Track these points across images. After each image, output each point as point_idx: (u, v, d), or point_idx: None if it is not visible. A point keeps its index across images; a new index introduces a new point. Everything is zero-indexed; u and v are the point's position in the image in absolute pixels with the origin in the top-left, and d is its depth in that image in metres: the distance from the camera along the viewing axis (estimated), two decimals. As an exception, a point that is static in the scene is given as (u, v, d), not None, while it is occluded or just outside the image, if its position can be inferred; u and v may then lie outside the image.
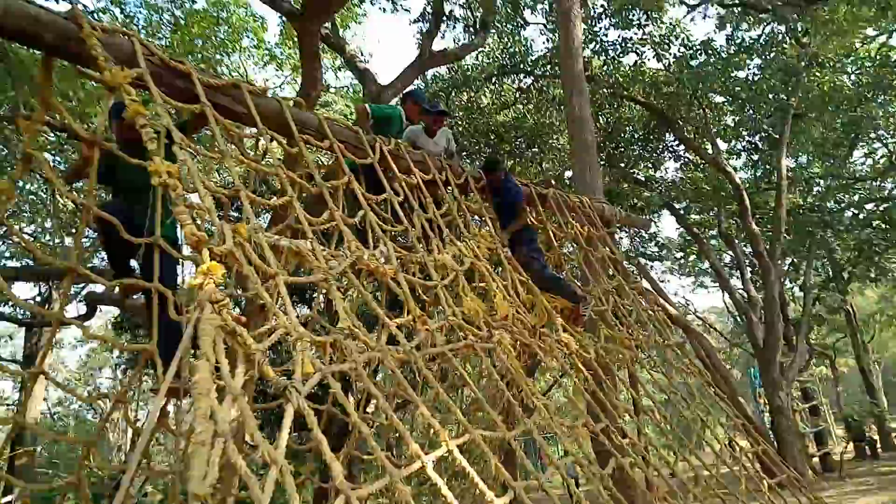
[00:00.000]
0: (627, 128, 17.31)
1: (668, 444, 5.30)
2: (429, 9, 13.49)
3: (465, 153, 16.93)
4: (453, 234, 4.58)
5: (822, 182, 18.89)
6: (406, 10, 15.48)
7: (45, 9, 3.00)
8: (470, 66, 16.24)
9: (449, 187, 4.91)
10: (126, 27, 13.36)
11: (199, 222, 2.54)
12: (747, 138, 17.95)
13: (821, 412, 17.90)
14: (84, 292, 12.43)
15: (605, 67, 15.80)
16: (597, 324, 5.51)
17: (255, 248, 2.75)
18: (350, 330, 2.77)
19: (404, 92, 5.41)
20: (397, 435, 3.15)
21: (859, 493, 10.07)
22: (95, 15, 12.36)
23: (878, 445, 17.93)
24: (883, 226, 17.46)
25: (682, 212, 18.14)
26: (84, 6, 13.53)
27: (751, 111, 16.38)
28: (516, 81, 17.11)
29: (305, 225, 3.09)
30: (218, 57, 15.85)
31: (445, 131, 5.59)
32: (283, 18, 12.75)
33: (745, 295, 16.65)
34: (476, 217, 5.43)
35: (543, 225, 5.96)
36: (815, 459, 15.03)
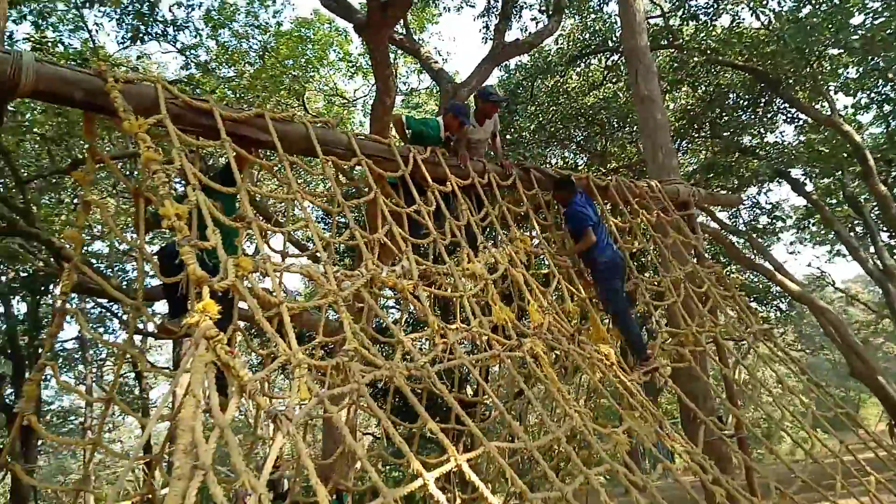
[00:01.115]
0: (731, 94, 16.14)
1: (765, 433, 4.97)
2: (494, 1, 13.35)
3: (555, 139, 16.59)
4: (495, 237, 4.53)
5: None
6: (471, 5, 15.39)
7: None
8: (552, 51, 15.86)
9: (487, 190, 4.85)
10: (216, 57, 14.33)
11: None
12: (876, 90, 16.13)
13: None
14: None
15: (697, 34, 14.82)
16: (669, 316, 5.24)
17: (263, 275, 2.88)
18: (356, 351, 2.83)
19: (448, 104, 5.40)
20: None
21: None
22: (188, 52, 13.32)
23: None
24: None
25: (801, 179, 16.66)
26: (181, 42, 14.67)
27: (875, 60, 14.69)
28: (603, 60, 16.48)
29: (319, 246, 3.19)
30: (309, 74, 16.64)
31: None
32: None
33: (882, 263, 15.01)
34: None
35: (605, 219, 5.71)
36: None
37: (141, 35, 12.29)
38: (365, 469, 2.22)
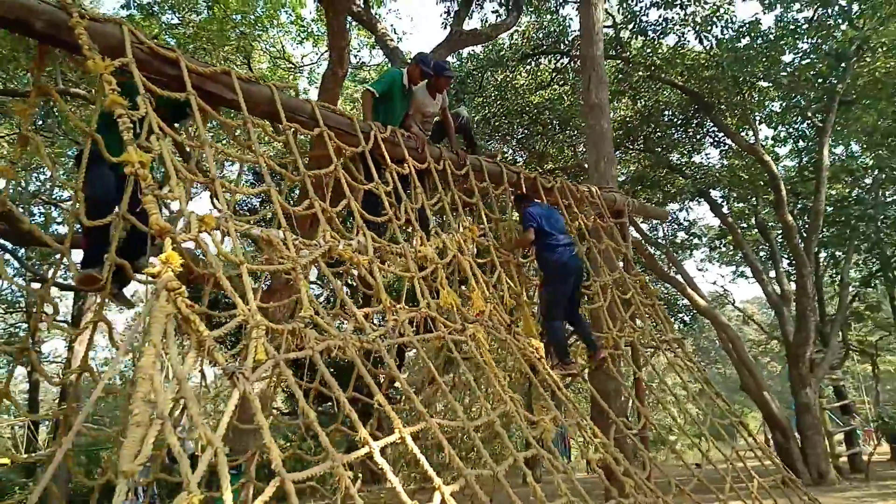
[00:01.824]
0: (666, 112, 16.92)
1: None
2: (458, -12, 13.39)
3: (497, 133, 16.84)
4: (445, 222, 4.64)
5: (870, 174, 18.13)
6: (434, -12, 15.36)
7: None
8: (505, 46, 16.06)
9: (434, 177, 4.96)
10: (162, 4, 13.63)
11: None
12: (794, 125, 17.33)
13: (854, 411, 17.34)
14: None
15: (643, 49, 15.42)
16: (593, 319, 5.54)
17: (225, 236, 2.88)
18: (311, 318, 2.88)
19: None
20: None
21: (880, 497, 9.82)
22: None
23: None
24: (933, 222, 16.70)
25: (719, 200, 17.71)
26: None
27: (797, 97, 15.79)
28: (552, 62, 16.85)
29: (280, 214, 3.20)
30: (256, 33, 16.08)
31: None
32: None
33: (779, 288, 16.21)
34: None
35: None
36: (843, 459, 14.65)
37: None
38: (267, 444, 2.28)
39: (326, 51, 17.52)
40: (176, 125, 3.79)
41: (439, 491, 2.74)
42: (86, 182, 3.19)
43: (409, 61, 5.69)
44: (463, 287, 4.58)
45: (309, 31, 17.10)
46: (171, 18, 13.84)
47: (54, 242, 3.52)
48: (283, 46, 17.82)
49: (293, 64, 18.03)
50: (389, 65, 17.33)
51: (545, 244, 5.22)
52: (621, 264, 6.44)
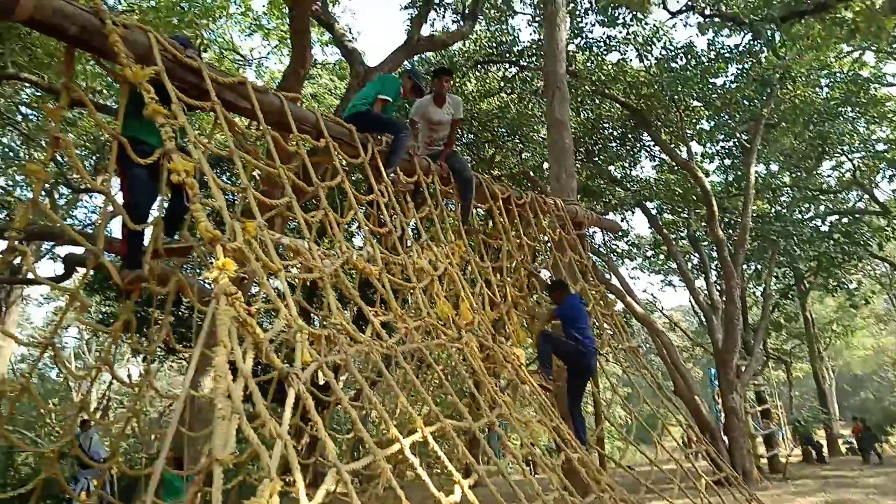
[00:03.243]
0: (606, 125, 17.71)
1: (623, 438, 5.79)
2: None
3: (446, 139, 17.13)
4: (434, 233, 4.88)
5: (788, 192, 19.58)
6: (396, -7, 15.56)
7: (69, 2, 3.19)
8: (457, 52, 16.40)
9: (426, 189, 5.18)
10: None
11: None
12: (721, 143, 18.50)
13: (772, 415, 18.67)
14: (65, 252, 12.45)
15: (588, 64, 16.11)
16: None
17: (261, 244, 3.02)
18: (342, 325, 3.07)
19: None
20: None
21: (798, 494, 10.72)
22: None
23: (825, 450, 18.76)
24: (842, 239, 18.23)
25: (654, 212, 18.67)
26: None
27: (726, 117, 16.92)
28: (501, 70, 17.33)
29: (304, 227, 3.37)
30: (203, 22, 15.74)
31: (454, 98, 5.75)
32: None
33: (708, 297, 17.28)
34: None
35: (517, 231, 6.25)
36: (764, 460, 15.77)
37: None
38: (322, 438, 2.50)
39: (278, 45, 17.44)
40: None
41: (459, 485, 3.00)
42: (125, 187, 3.25)
43: (404, 72, 5.82)
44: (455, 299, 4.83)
45: (259, 23, 16.91)
46: (118, 4, 13.43)
47: (87, 243, 3.54)
48: (231, 37, 17.52)
49: (241, 56, 17.74)
50: (340, 65, 17.36)
51: (576, 330, 5.54)
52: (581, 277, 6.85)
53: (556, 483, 3.86)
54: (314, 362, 2.70)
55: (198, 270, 13.82)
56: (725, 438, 13.77)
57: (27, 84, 12.30)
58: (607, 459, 6.41)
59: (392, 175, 4.66)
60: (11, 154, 16.50)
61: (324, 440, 2.47)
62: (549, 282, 6.12)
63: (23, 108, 15.37)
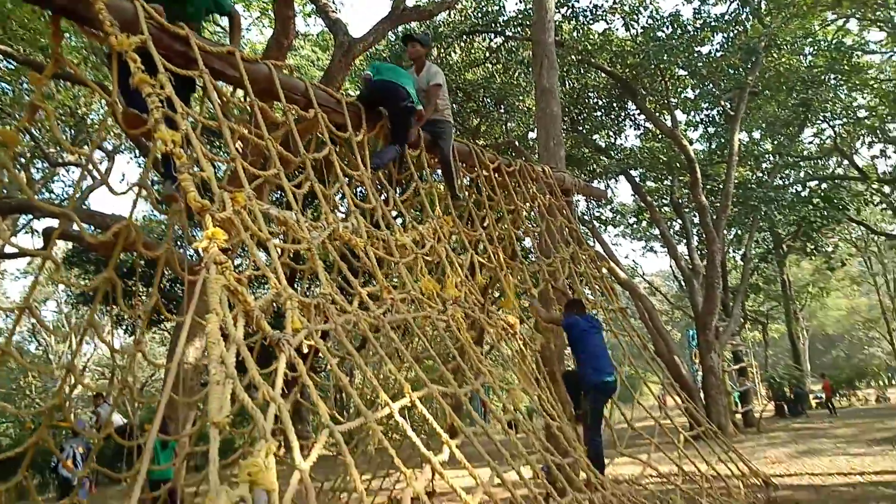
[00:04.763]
0: (592, 94, 17.68)
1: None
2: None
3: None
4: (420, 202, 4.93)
5: (770, 158, 19.77)
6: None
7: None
8: (442, 23, 16.21)
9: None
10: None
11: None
12: (706, 111, 18.59)
13: (748, 374, 19.22)
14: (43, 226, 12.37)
15: (574, 33, 16.01)
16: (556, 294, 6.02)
17: (250, 214, 3.06)
18: (331, 296, 3.13)
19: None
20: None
21: (770, 446, 11.19)
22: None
23: (798, 405, 19.46)
24: (822, 204, 18.49)
25: (637, 179, 18.79)
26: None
27: (711, 86, 16.97)
28: (487, 41, 17.17)
29: (292, 198, 3.40)
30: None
31: (432, 66, 5.58)
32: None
33: (690, 262, 17.54)
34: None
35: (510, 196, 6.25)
36: (739, 416, 16.28)
37: None
38: (315, 402, 2.59)
39: (259, 16, 17.12)
40: None
41: (447, 445, 3.11)
42: None
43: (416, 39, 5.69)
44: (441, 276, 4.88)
45: (236, -10, 16.57)
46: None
47: (54, 209, 3.55)
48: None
49: (222, 28, 17.41)
50: (322, 35, 17.07)
51: (586, 358, 5.41)
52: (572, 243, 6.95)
53: (538, 445, 4.02)
54: (304, 329, 2.77)
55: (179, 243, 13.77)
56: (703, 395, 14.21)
57: (1, 56, 12.05)
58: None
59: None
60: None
61: (316, 402, 2.56)
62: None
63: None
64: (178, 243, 12.31)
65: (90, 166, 3.49)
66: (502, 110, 16.97)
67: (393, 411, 2.93)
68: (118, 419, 10.03)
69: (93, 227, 10.06)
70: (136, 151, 16.55)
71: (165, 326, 19.58)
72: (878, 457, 8.72)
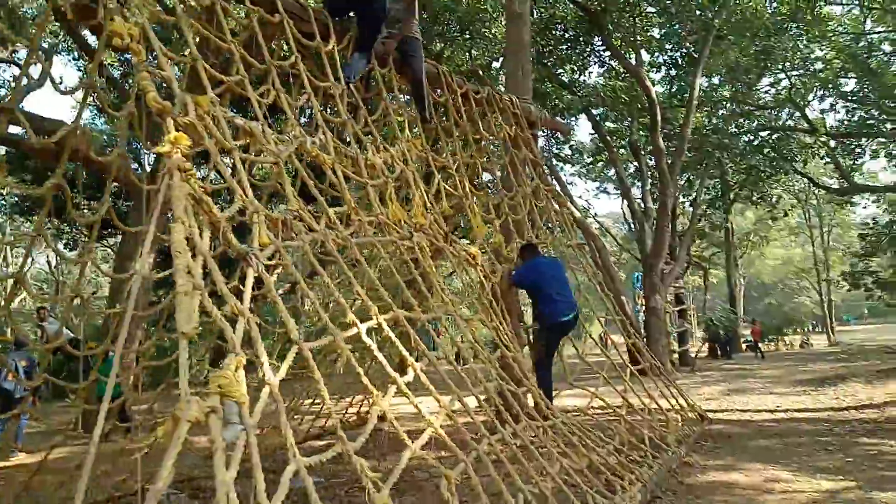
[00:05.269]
0: (559, 25, 17.31)
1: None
2: None
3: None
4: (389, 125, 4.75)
5: (727, 106, 20.00)
6: None
7: None
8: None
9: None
10: None
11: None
12: (669, 53, 18.52)
13: (688, 315, 20.06)
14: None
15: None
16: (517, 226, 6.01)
17: (214, 121, 2.87)
18: (298, 212, 3.01)
19: None
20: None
21: (703, 384, 11.82)
22: None
23: (729, 348, 20.57)
24: (772, 154, 18.94)
25: (598, 118, 18.77)
26: None
27: (677, 26, 16.84)
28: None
29: (256, 107, 3.20)
30: None
31: None
32: None
33: (643, 204, 17.86)
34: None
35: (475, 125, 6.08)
36: (676, 355, 17.06)
37: None
38: (284, 320, 2.53)
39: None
40: None
41: (412, 368, 3.11)
42: None
43: None
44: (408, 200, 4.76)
45: None
46: None
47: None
48: None
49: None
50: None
51: (542, 300, 5.40)
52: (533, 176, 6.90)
53: (494, 374, 4.08)
54: (271, 245, 2.66)
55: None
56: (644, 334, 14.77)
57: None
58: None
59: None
60: None
61: (286, 320, 2.49)
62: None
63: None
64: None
65: (34, 58, 3.17)
66: (468, 36, 16.45)
67: (361, 332, 2.89)
68: (66, 333, 9.74)
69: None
70: (76, 53, 15.47)
71: (108, 242, 18.90)
72: (801, 396, 9.37)
